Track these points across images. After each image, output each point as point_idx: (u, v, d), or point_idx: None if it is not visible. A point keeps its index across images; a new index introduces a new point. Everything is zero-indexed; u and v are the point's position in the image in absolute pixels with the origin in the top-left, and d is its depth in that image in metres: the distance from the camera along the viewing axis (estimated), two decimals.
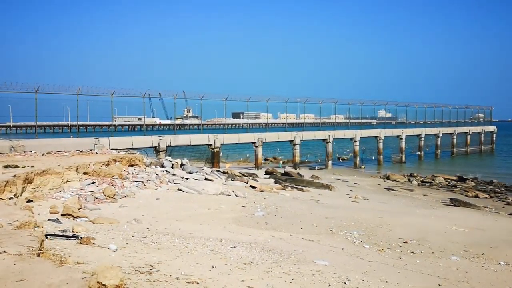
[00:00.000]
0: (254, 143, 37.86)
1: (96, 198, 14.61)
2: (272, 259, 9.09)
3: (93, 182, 16.17)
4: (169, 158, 25.37)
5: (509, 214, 20.72)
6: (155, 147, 30.93)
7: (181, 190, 17.44)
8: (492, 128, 67.92)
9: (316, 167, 42.42)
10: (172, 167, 21.65)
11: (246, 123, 58.62)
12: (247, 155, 46.37)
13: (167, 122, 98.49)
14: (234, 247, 9.77)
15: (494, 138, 68.43)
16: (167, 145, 31.45)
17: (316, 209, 16.52)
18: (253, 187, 20.68)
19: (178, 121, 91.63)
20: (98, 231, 10.38)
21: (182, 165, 22.53)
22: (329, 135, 43.01)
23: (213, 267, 8.07)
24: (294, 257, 9.46)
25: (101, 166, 17.72)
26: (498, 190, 30.93)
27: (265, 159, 46.52)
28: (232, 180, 22.26)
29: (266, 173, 31.83)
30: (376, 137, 48.48)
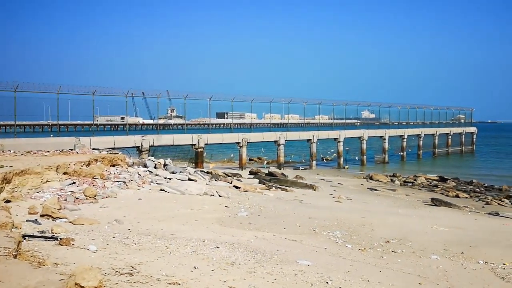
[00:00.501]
0: (238, 143, 37.79)
1: (77, 198, 14.41)
2: (255, 259, 9.07)
3: (74, 182, 15.95)
4: (152, 158, 25.18)
5: (488, 214, 21.04)
6: (138, 147, 30.65)
7: (164, 190, 17.30)
8: (473, 129, 68.94)
9: (300, 167, 42.54)
10: (155, 167, 21.48)
11: (230, 123, 58.51)
12: (232, 155, 46.28)
13: (151, 121, 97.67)
14: (217, 247, 9.72)
15: (475, 139, 69.46)
16: (150, 145, 31.20)
17: (299, 209, 16.55)
18: (237, 187, 20.63)
19: (161, 121, 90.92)
20: (78, 232, 10.23)
21: (165, 165, 22.36)
22: (313, 136, 43.17)
23: (195, 267, 8.01)
24: (277, 257, 9.45)
25: (82, 166, 17.49)
26: (478, 190, 31.40)
27: (250, 159, 46.48)
28: (216, 180, 22.18)
29: (251, 173, 31.81)
30: (359, 137, 48.83)
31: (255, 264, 8.70)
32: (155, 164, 21.92)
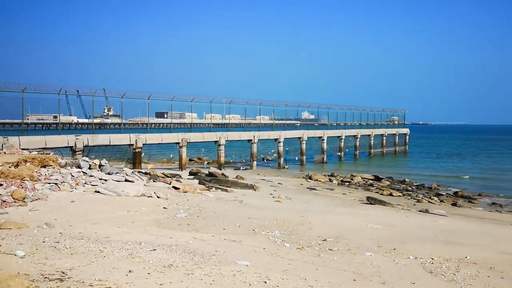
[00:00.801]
0: (178, 143, 37.26)
1: (4, 201, 13.56)
2: (193, 261, 8.94)
3: (1, 184, 15.00)
4: (86, 158, 24.22)
5: (419, 211, 22.07)
6: (71, 147, 29.42)
7: (99, 192, 16.68)
8: (406, 130, 72.21)
9: (241, 168, 42.65)
10: (89, 168, 20.67)
11: (170, 123, 57.63)
12: (171, 155, 45.58)
13: (86, 121, 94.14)
14: (154, 250, 9.48)
15: (407, 140, 72.81)
16: (84, 145, 30.04)
17: (239, 210, 16.53)
18: (176, 188, 20.29)
19: (97, 120, 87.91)
20: (4, 237, 9.62)
21: (100, 166, 21.58)
22: (254, 136, 43.43)
23: (131, 271, 7.76)
24: (216, 258, 9.37)
25: (9, 167, 16.50)
26: (410, 188, 32.95)
27: (190, 160, 46.02)
28: (154, 181, 21.70)
29: (190, 173, 31.46)
30: (299, 138, 49.72)
31: (193, 266, 8.58)
32: (90, 165, 21.10)
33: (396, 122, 79.89)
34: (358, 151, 58.87)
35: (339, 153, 55.78)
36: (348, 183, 34.25)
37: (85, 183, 17.67)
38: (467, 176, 40.81)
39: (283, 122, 54.95)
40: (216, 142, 40.56)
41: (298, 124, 64.46)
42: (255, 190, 24.25)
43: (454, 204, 26.45)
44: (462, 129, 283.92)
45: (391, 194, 28.95)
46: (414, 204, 25.28)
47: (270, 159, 51.69)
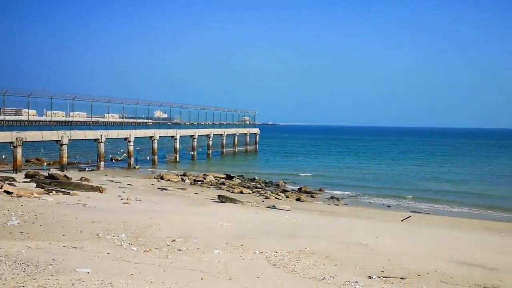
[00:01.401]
0: (12, 142, 33.44)
1: None
2: (26, 272, 8.03)
3: None
4: None
5: (267, 207, 23.13)
6: None
7: None
8: (256, 130, 75.41)
9: (87, 169, 40.08)
10: None
11: (2, 120, 51.58)
12: (3, 156, 40.88)
13: None
14: None
15: (258, 139, 76.11)
16: None
17: (82, 214, 15.41)
18: (8, 192, 18.15)
19: None
20: None
21: None
22: (101, 135, 41.09)
23: None
24: (53, 267, 8.54)
25: None
26: (260, 186, 34.44)
27: (26, 161, 41.82)
28: None
29: (27, 176, 28.53)
30: (151, 137, 48.54)
31: (25, 278, 7.70)
32: None
33: (247, 122, 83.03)
34: (211, 151, 59.71)
35: (192, 153, 55.94)
36: (200, 182, 34.46)
37: None
38: (311, 174, 44.14)
39: (134, 120, 53.07)
40: (58, 141, 37.41)
41: (150, 123, 63.00)
42: (101, 192, 22.92)
43: (298, 199, 28.34)
44: (306, 129, 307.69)
45: (241, 192, 29.88)
46: (263, 201, 26.42)
47: (119, 159, 49.56)
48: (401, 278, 9.56)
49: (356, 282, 9.13)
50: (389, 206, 27.71)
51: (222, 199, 23.98)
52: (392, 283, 9.25)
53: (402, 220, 21.52)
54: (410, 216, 22.80)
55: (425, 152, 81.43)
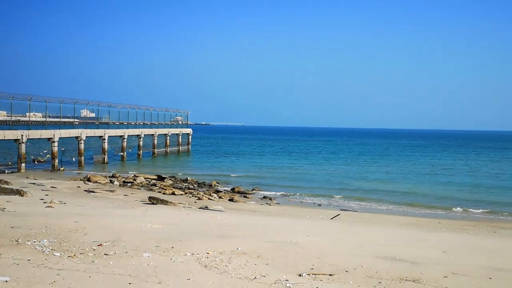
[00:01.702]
0: None
1: None
2: None
3: None
4: None
5: (199, 208, 22.91)
6: None
7: None
8: (189, 130, 74.66)
9: (6, 171, 37.63)
10: None
11: None
12: None
13: None
14: None
15: (190, 140, 75.40)
16: None
17: (1, 219, 14.41)
18: None
19: None
20: None
21: None
22: (22, 135, 38.67)
23: None
24: None
25: None
26: (192, 186, 34.08)
27: None
28: None
29: None
30: (77, 137, 46.45)
31: None
32: None
33: (180, 122, 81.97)
34: (141, 151, 58.29)
35: (122, 153, 54.28)
36: (130, 184, 33.50)
37: None
38: (244, 175, 44.35)
39: (59, 120, 50.45)
40: None
41: (77, 123, 60.21)
42: (22, 196, 21.60)
43: (231, 200, 28.35)
44: (239, 129, 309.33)
45: (173, 193, 29.40)
46: (195, 202, 26.16)
47: (42, 160, 46.99)
48: (329, 275, 9.79)
49: (287, 280, 9.22)
50: (319, 205, 28.46)
51: (153, 200, 23.45)
52: (321, 280, 9.44)
53: (332, 218, 22.16)
54: (339, 214, 23.52)
55: (355, 152, 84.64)
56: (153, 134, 62.10)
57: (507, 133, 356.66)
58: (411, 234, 17.23)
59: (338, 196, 31.75)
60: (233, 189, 33.05)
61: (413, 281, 9.67)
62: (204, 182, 36.73)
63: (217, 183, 36.25)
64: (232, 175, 43.66)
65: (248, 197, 30.43)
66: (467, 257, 12.78)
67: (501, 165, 60.94)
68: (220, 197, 29.20)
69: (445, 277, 10.14)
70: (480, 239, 17.17)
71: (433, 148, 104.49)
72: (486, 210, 27.31)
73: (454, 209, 27.80)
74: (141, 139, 58.23)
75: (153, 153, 61.50)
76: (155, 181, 35.53)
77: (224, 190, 32.85)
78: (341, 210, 26.15)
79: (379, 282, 9.48)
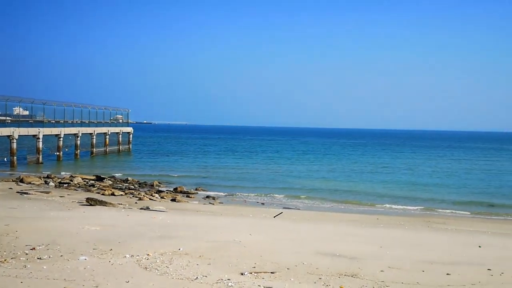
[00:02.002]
0: None
1: None
2: None
3: None
4: None
5: (140, 209, 22.37)
6: None
7: None
8: (129, 129, 72.76)
9: None
10: None
11: None
12: None
13: None
14: None
15: (131, 138, 73.52)
16: None
17: None
18: None
19: None
20: None
21: None
22: None
23: None
24: None
25: None
26: (133, 187, 33.22)
27: None
28: None
29: None
30: (8, 136, 43.96)
31: None
32: None
33: (121, 120, 79.76)
34: (79, 150, 56.12)
35: (58, 153, 52.00)
36: (67, 185, 32.16)
37: None
38: (187, 174, 43.80)
39: None
40: None
41: (9, 121, 57.06)
42: None
43: (173, 200, 27.90)
44: (183, 128, 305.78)
45: (113, 194, 28.53)
46: (136, 202, 25.54)
47: None
48: (271, 273, 9.86)
49: (229, 279, 9.19)
50: (263, 204, 28.63)
51: (91, 202, 22.64)
52: (263, 278, 9.49)
53: (274, 217, 22.36)
54: (282, 213, 23.78)
55: (298, 151, 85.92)
56: (92, 133, 59.97)
57: (448, 133, 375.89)
58: (351, 231, 17.72)
59: (282, 195, 32.10)
60: (175, 189, 32.55)
61: (352, 276, 9.94)
62: (145, 182, 35.91)
63: (159, 183, 35.56)
64: (174, 175, 42.99)
65: (191, 197, 30.10)
66: (402, 251, 13.33)
67: (436, 163, 64.11)
68: (162, 197, 28.67)
69: (381, 271, 10.51)
70: (414, 234, 17.95)
71: (373, 147, 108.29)
72: (421, 207, 28.57)
73: (392, 206, 28.91)
74: (79, 138, 56.02)
75: (92, 152, 59.43)
76: (93, 181, 34.32)
77: (167, 190, 32.29)
78: (284, 208, 26.45)
79: (319, 278, 9.66)
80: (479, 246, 14.57)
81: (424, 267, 11.15)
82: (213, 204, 27.40)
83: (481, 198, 32.25)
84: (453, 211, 27.65)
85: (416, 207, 28.54)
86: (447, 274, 10.49)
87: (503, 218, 26.01)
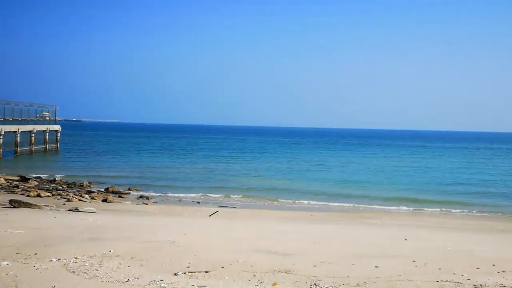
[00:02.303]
0: None
1: None
2: None
3: None
4: None
5: (68, 210, 21.42)
6: None
7: None
8: (57, 127, 69.51)
9: None
10: None
11: None
12: None
13: None
14: None
15: (59, 137, 70.23)
16: None
17: None
18: None
19: None
20: None
21: None
22: None
23: None
24: None
25: None
26: (61, 187, 31.75)
27: None
28: None
29: None
30: None
31: None
32: None
33: (48, 118, 75.89)
34: (1, 150, 52.79)
35: None
36: None
37: None
38: (120, 174, 42.49)
39: None
40: None
41: None
42: None
43: (105, 200, 26.98)
44: (115, 126, 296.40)
45: (39, 195, 27.12)
46: (64, 204, 24.47)
47: None
48: (205, 272, 9.77)
49: (162, 280, 9.00)
50: (198, 203, 28.38)
51: (14, 204, 21.39)
52: (197, 277, 9.38)
53: (210, 215, 22.25)
54: (218, 211, 23.71)
55: (235, 150, 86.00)
56: (16, 131, 56.61)
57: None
58: (286, 228, 17.99)
59: (218, 194, 31.99)
60: (107, 189, 31.48)
61: (285, 272, 10.07)
62: (74, 182, 34.39)
63: (89, 183, 34.20)
64: (106, 174, 41.54)
65: (123, 197, 29.23)
66: (335, 246, 13.72)
67: (368, 160, 66.64)
68: (92, 198, 27.63)
69: (314, 266, 10.74)
70: (346, 229, 18.55)
71: (307, 145, 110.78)
72: (353, 204, 29.53)
73: (326, 203, 29.69)
74: (1, 137, 52.69)
75: (16, 152, 56.15)
76: (17, 182, 32.43)
77: (97, 191, 31.15)
78: (220, 207, 26.40)
79: (254, 276, 9.70)
80: (406, 239, 15.29)
81: (354, 260, 11.53)
82: (147, 204, 26.80)
83: (407, 194, 33.98)
84: (383, 206, 28.99)
85: (350, 205, 29.46)
86: (376, 266, 10.92)
87: (429, 211, 27.57)
